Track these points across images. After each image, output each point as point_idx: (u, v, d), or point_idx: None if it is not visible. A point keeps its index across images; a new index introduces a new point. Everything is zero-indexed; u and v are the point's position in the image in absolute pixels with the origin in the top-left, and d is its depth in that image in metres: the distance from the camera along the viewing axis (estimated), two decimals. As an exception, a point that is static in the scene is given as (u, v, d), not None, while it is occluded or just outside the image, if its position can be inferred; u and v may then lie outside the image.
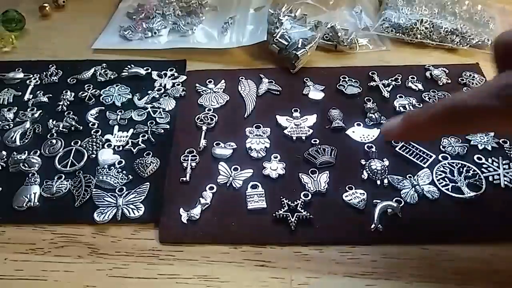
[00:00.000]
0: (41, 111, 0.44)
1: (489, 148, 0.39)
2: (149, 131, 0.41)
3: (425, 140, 0.38)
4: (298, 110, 0.43)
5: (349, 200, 0.35)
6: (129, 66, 0.48)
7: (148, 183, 0.37)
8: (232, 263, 0.32)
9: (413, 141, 0.38)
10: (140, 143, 0.40)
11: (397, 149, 0.39)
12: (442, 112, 0.28)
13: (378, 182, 0.36)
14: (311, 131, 0.41)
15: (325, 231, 0.33)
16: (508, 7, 0.55)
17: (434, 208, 0.35)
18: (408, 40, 0.51)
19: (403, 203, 0.35)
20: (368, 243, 0.33)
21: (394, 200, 0.35)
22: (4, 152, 0.40)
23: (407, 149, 0.39)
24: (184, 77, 0.47)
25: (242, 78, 0.47)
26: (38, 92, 0.46)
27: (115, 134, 0.41)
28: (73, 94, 0.45)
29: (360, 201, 0.35)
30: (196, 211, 0.34)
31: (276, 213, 0.34)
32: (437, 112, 0.28)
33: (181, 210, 0.35)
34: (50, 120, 0.43)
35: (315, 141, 0.40)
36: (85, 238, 0.34)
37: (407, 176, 0.37)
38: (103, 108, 0.44)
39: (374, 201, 0.35)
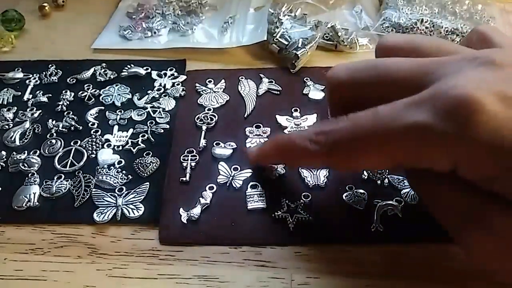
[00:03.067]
0: (40, 111, 0.44)
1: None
2: (148, 131, 0.41)
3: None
4: (298, 110, 0.43)
5: (349, 200, 0.35)
6: (128, 66, 0.48)
7: (147, 183, 0.37)
8: (232, 263, 0.32)
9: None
10: (139, 143, 0.40)
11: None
12: (278, 145, 0.30)
13: (378, 182, 0.36)
14: (311, 131, 0.41)
15: (325, 231, 0.33)
16: (508, 6, 0.55)
17: (434, 208, 0.34)
18: (409, 39, 0.51)
19: (403, 203, 0.35)
20: (368, 243, 0.33)
21: (394, 200, 0.35)
22: (3, 152, 0.40)
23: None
24: (184, 77, 0.47)
25: (242, 78, 0.47)
26: (38, 92, 0.46)
27: (114, 134, 0.41)
28: (72, 94, 0.45)
29: (360, 201, 0.35)
30: (196, 211, 0.34)
31: (275, 213, 0.34)
32: (276, 144, 0.30)
33: (181, 210, 0.35)
34: (50, 120, 0.43)
35: None
36: (85, 238, 0.34)
37: (408, 176, 0.36)
38: (103, 108, 0.44)
39: (374, 201, 0.35)
